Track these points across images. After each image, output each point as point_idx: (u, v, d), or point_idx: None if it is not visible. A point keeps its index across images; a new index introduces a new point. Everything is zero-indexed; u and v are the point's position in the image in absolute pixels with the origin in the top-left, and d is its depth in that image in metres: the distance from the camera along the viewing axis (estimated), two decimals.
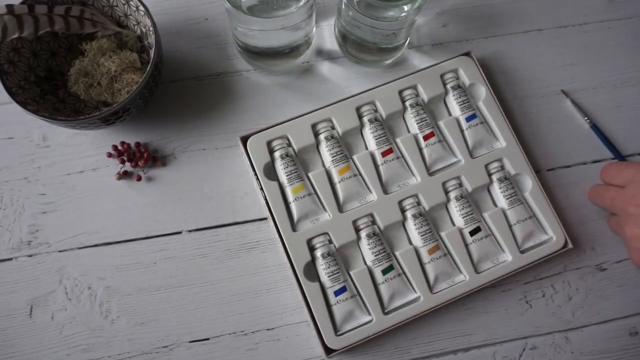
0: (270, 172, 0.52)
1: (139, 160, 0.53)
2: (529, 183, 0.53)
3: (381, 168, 0.52)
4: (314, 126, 0.53)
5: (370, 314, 0.49)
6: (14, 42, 0.50)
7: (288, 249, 0.49)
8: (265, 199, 0.51)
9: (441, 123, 0.54)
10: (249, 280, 0.52)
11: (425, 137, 0.53)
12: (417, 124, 0.54)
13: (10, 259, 0.51)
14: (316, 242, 0.50)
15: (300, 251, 0.49)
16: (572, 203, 0.55)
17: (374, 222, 0.51)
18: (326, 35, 0.59)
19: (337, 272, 0.49)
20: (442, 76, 0.55)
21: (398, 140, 0.53)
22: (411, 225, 0.51)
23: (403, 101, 0.54)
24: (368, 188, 0.52)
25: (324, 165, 0.53)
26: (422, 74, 0.55)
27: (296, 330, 0.51)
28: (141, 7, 0.50)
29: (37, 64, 0.53)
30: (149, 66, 0.47)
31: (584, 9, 0.62)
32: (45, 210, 0.53)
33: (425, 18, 0.61)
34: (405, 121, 0.55)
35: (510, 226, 0.52)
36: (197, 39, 0.59)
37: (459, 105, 0.55)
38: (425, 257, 0.50)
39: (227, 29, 0.59)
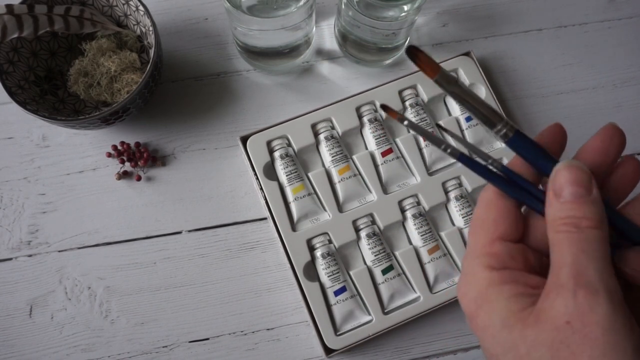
0: (270, 172, 0.52)
1: (139, 160, 0.53)
2: None
3: (381, 168, 0.52)
4: (313, 126, 0.53)
5: (370, 314, 0.49)
6: (14, 42, 0.50)
7: (288, 249, 0.49)
8: (265, 199, 0.51)
9: (441, 123, 0.54)
10: (249, 280, 0.52)
11: None
12: (418, 123, 0.54)
13: (10, 259, 0.51)
14: (316, 242, 0.50)
15: (300, 251, 0.49)
16: None
17: (373, 222, 0.51)
18: (326, 35, 0.59)
19: (337, 272, 0.49)
20: None
21: (398, 140, 0.53)
22: (411, 225, 0.51)
23: (403, 101, 0.54)
24: (368, 188, 0.52)
25: (323, 165, 0.53)
26: (422, 73, 0.55)
27: (296, 330, 0.51)
28: (141, 7, 0.50)
29: (37, 64, 0.53)
30: (149, 66, 0.47)
31: (584, 9, 0.62)
32: (45, 210, 0.53)
33: (425, 18, 0.60)
34: None
35: None
36: (197, 39, 0.59)
37: (459, 105, 0.55)
38: (425, 257, 0.50)
39: (227, 29, 0.59)
